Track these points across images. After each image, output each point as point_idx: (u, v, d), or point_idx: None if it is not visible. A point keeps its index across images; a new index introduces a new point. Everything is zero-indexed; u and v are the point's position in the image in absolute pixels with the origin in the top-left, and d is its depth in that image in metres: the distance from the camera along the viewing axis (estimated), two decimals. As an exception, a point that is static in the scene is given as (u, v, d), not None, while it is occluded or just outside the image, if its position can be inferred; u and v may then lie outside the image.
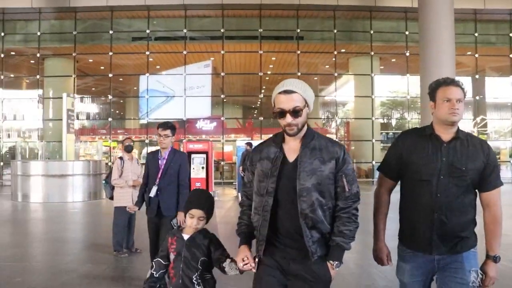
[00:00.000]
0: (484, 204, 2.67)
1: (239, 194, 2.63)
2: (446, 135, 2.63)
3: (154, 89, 22.13)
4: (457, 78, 2.72)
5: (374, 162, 21.40)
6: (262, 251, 2.42)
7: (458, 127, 2.67)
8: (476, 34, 22.09)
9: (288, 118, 2.33)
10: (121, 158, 7.03)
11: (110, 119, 22.80)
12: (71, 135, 16.59)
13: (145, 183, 5.20)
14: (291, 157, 2.41)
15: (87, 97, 24.50)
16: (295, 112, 2.33)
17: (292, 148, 2.43)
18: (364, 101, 22.40)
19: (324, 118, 27.79)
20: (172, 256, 2.75)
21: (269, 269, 2.41)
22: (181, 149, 21.72)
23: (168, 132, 4.94)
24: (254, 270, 2.42)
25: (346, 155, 2.44)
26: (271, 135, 2.59)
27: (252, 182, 2.52)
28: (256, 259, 2.45)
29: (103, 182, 7.51)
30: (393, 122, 30.04)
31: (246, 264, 2.40)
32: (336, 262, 2.38)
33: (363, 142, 22.50)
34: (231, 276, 2.71)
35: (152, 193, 4.97)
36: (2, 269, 6.14)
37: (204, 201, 2.79)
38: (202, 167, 14.62)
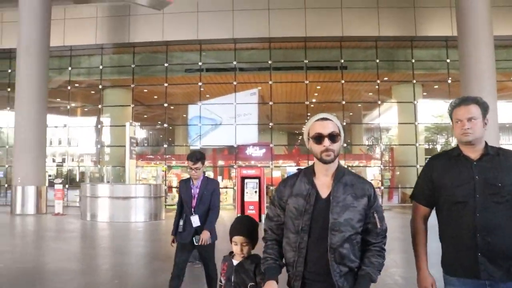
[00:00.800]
0: None
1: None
2: (473, 153, 2.62)
3: (203, 116, 23.54)
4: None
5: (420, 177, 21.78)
6: (298, 287, 2.43)
7: (487, 144, 2.65)
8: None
9: (326, 142, 2.39)
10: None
11: (165, 145, 24.30)
12: (133, 160, 18.05)
13: (179, 212, 5.23)
14: (323, 192, 2.43)
15: (143, 125, 26.10)
16: (333, 137, 2.41)
17: (324, 184, 2.45)
18: (407, 127, 23.02)
19: (369, 145, 28.31)
20: (222, 281, 2.86)
21: None
22: (235, 174, 22.96)
23: (199, 165, 5.04)
24: None
25: (376, 192, 2.50)
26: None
27: (280, 217, 2.53)
28: None
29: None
30: (438, 147, 30.30)
31: None
32: None
33: (407, 168, 23.02)
34: None
35: (195, 223, 5.01)
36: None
37: (245, 227, 2.85)
38: (255, 191, 15.71)
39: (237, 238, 2.79)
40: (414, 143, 22.54)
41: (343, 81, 22.71)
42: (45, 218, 17.04)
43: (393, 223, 15.13)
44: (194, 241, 4.93)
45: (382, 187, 23.07)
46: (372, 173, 24.99)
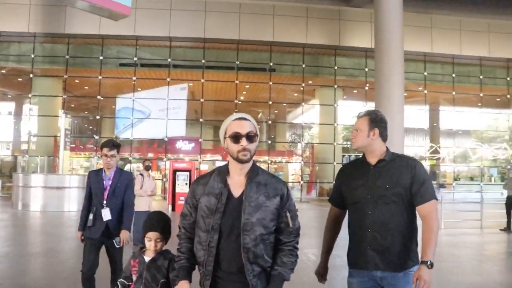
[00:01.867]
0: (420, 216, 2.80)
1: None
2: (372, 159, 2.88)
3: (136, 109, 24.23)
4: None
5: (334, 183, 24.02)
6: (209, 286, 2.41)
7: (387, 150, 2.91)
8: (425, 73, 25.35)
9: (244, 142, 2.37)
10: (141, 174, 9.25)
11: (96, 136, 24.67)
12: (67, 151, 18.50)
13: (87, 205, 4.87)
14: (236, 192, 2.41)
15: (74, 116, 26.18)
16: (250, 137, 2.39)
17: (237, 183, 2.43)
18: (327, 127, 25.18)
19: (291, 142, 30.21)
20: (133, 278, 2.79)
21: None
22: (163, 167, 23.88)
23: (114, 152, 4.77)
24: None
25: (289, 191, 2.51)
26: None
27: (192, 215, 2.50)
28: None
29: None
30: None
31: None
32: None
33: (325, 164, 25.16)
34: None
35: (106, 216, 4.70)
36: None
37: (159, 224, 2.82)
38: (186, 183, 16.94)
39: (152, 234, 2.75)
40: (333, 142, 24.73)
41: (271, 83, 24.39)
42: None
43: (311, 214, 17.57)
44: (115, 243, 4.67)
45: (302, 182, 25.15)
46: (293, 168, 27.02)
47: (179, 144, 24.86)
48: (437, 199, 2.85)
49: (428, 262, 2.63)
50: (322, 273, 2.99)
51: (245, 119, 2.45)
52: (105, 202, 4.72)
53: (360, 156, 3.02)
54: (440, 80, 26.31)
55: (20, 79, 24.63)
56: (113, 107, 25.85)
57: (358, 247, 2.83)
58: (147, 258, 2.78)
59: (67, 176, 17.37)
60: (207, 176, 2.52)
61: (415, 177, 2.76)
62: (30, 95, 23.83)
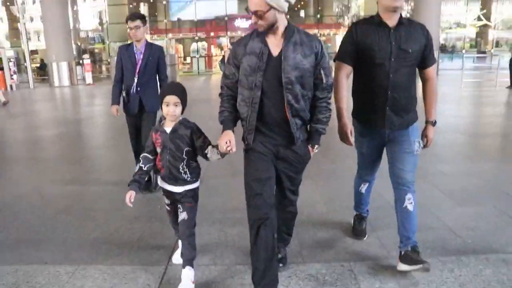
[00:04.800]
0: (425, 78, 2.98)
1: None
2: (391, 21, 2.79)
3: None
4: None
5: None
6: (252, 140, 2.56)
7: (401, 14, 2.84)
8: None
9: (253, 19, 2.45)
10: (230, 49, 12.57)
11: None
12: (149, 35, 21.79)
13: (119, 80, 4.75)
14: (275, 51, 2.49)
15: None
16: (257, 15, 2.41)
17: (275, 43, 2.50)
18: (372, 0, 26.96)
19: (338, 15, 32.05)
20: (158, 150, 2.79)
21: (262, 155, 2.58)
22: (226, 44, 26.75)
23: (138, 22, 4.52)
24: (233, 151, 2.48)
25: (324, 49, 2.57)
26: None
27: (235, 75, 2.58)
28: (244, 148, 2.63)
29: (219, 62, 13.01)
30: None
31: (229, 146, 2.46)
32: (316, 145, 2.68)
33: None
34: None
35: (133, 89, 4.60)
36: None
37: (176, 87, 2.78)
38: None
39: (169, 98, 2.69)
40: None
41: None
42: (80, 88, 20.96)
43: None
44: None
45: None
46: (339, 40, 29.48)
47: (238, 22, 27.55)
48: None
49: (434, 121, 2.98)
50: (350, 128, 2.91)
51: None
52: (136, 76, 4.58)
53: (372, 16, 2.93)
54: None
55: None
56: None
57: (376, 107, 2.87)
58: (168, 129, 2.74)
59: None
60: (246, 38, 2.58)
61: (428, 42, 2.86)
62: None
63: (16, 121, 10.66)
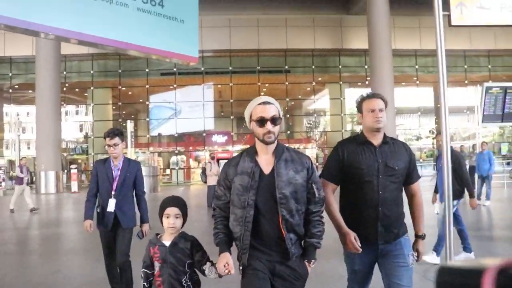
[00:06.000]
0: (411, 194, 3.08)
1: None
2: (376, 140, 2.93)
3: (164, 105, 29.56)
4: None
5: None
6: (246, 259, 2.53)
7: (384, 133, 2.97)
8: (416, 66, 30.12)
9: (269, 126, 2.50)
10: (210, 162, 14.33)
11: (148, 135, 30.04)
12: (133, 148, 23.81)
13: (93, 195, 4.66)
14: (266, 169, 2.56)
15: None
16: (274, 120, 2.51)
17: (265, 161, 2.57)
18: (336, 118, 30.30)
19: (307, 131, 35.08)
20: (157, 265, 2.71)
21: (259, 273, 2.52)
22: (203, 157, 29.19)
23: (116, 140, 4.52)
24: (232, 273, 2.48)
25: (313, 164, 2.67)
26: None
27: (226, 196, 2.62)
28: (240, 267, 2.57)
29: (201, 173, 14.76)
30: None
31: (227, 269, 2.46)
32: (313, 260, 2.63)
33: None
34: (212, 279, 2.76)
35: (111, 207, 4.49)
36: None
37: (177, 200, 2.80)
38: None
39: (170, 210, 2.69)
40: (341, 129, 29.84)
41: (287, 82, 29.63)
42: (65, 195, 22.23)
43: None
44: (138, 237, 4.37)
45: (317, 163, 30.21)
46: (309, 152, 32.04)
47: (215, 137, 30.14)
48: None
49: (423, 235, 3.04)
50: (354, 235, 2.83)
51: (269, 103, 2.55)
52: (113, 192, 4.49)
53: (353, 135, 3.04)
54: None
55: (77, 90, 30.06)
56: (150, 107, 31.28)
57: (367, 223, 2.89)
58: (167, 243, 2.69)
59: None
60: (236, 158, 2.67)
61: (412, 158, 2.99)
62: (92, 104, 29.24)
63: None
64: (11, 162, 28.07)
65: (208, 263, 2.66)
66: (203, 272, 2.68)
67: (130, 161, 4.78)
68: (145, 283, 2.71)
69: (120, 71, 28.83)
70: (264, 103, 2.55)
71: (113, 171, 4.56)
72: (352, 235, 2.83)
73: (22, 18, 3.78)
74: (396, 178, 2.91)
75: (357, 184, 2.91)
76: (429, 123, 32.37)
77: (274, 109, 2.55)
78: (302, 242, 2.66)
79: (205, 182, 14.56)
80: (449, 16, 4.08)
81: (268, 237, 2.54)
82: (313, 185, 2.61)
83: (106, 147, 4.58)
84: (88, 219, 4.59)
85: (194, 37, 4.99)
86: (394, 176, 2.90)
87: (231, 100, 29.38)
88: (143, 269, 2.74)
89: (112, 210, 4.49)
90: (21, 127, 24.21)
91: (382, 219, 2.87)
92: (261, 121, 2.52)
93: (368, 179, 2.87)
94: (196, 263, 2.69)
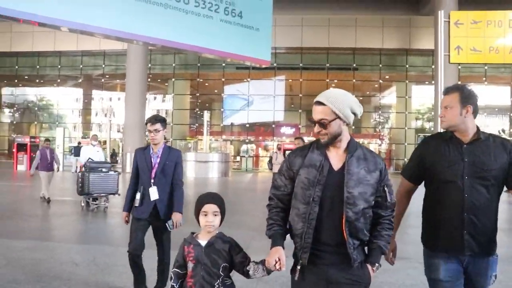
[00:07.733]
0: None
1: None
2: (464, 137, 2.63)
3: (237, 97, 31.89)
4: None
5: (405, 159, 30.09)
6: (306, 260, 2.33)
7: (478, 128, 2.66)
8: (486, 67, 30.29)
9: (316, 128, 2.37)
10: (276, 152, 16.32)
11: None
12: (208, 136, 26.34)
13: (134, 183, 4.54)
14: (336, 165, 2.37)
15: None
16: (321, 124, 2.34)
17: (336, 157, 2.39)
18: (401, 115, 31.42)
19: (373, 127, 36.01)
20: (190, 265, 2.54)
21: (314, 276, 2.36)
22: (278, 148, 31.12)
23: (158, 126, 4.40)
24: (284, 269, 2.32)
25: (386, 166, 2.46)
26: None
27: (286, 187, 2.45)
28: (298, 267, 2.37)
29: (268, 162, 16.81)
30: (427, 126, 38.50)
31: (278, 264, 2.30)
32: (377, 265, 2.40)
33: (399, 144, 31.52)
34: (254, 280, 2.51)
35: (154, 195, 4.38)
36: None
37: (216, 196, 2.62)
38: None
39: (208, 207, 2.52)
40: (404, 126, 30.86)
41: (354, 80, 31.01)
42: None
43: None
44: (168, 227, 4.34)
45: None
46: (374, 147, 33.22)
47: (283, 129, 32.21)
48: None
49: None
50: (392, 248, 2.72)
51: (320, 103, 2.36)
52: (152, 180, 4.42)
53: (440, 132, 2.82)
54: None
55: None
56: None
57: (451, 231, 2.60)
58: (202, 242, 2.52)
59: (209, 154, 25.21)
60: (305, 149, 2.46)
61: None
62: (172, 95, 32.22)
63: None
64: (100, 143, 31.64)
65: (252, 263, 2.50)
66: (246, 273, 2.51)
67: (171, 149, 4.66)
68: (174, 284, 2.55)
69: (198, 64, 31.48)
70: (316, 103, 2.39)
71: (152, 159, 4.46)
72: (392, 247, 2.74)
73: (128, 31, 6.09)
74: (487, 181, 2.58)
75: (439, 184, 2.66)
76: (501, 122, 32.36)
77: (322, 110, 2.34)
78: (365, 248, 2.44)
79: (271, 169, 16.60)
80: (448, 55, 5.77)
81: (327, 239, 2.33)
82: (385, 188, 2.41)
83: (147, 132, 4.51)
84: (125, 212, 4.54)
85: (267, 43, 6.38)
86: (485, 178, 2.57)
87: (300, 95, 31.33)
88: (175, 269, 2.58)
89: (155, 199, 4.39)
90: (112, 112, 27.32)
91: (468, 226, 2.57)
92: (313, 122, 2.39)
93: (451, 179, 2.60)
94: (238, 264, 2.52)
